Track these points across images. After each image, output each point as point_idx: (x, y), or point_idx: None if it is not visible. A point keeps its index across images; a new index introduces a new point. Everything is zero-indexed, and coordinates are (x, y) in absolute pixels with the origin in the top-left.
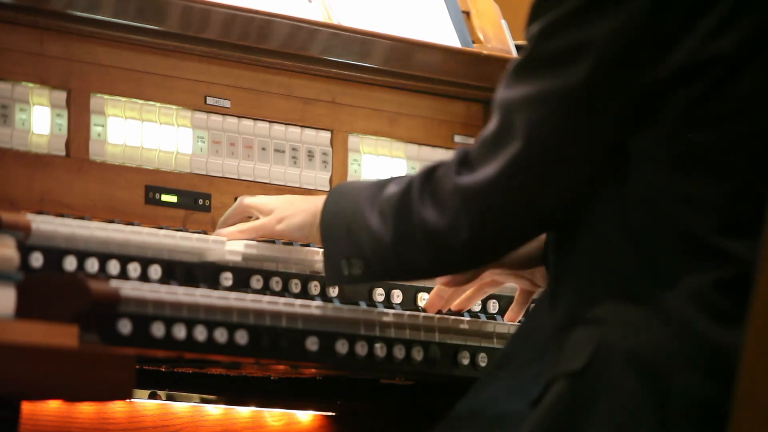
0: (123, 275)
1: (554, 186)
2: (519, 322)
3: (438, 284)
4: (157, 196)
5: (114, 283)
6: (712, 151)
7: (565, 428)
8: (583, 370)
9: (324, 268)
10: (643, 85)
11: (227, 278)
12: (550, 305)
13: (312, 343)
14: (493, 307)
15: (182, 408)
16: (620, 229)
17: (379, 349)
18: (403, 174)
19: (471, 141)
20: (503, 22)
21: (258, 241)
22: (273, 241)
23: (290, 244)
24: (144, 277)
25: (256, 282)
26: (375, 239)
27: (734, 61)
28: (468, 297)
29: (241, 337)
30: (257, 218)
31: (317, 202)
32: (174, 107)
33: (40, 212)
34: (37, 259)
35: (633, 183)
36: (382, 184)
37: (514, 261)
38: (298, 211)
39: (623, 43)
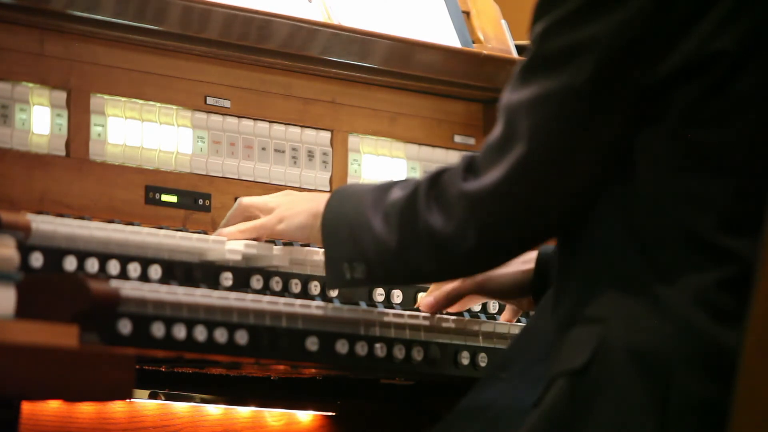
0: (123, 275)
1: (560, 187)
2: (517, 321)
3: (419, 302)
4: (157, 196)
5: (114, 283)
6: (715, 149)
7: (565, 426)
8: (584, 368)
9: (325, 272)
10: (646, 83)
11: (227, 278)
12: (553, 305)
13: (312, 343)
14: (493, 307)
15: (182, 408)
16: (623, 228)
17: (379, 349)
18: (404, 176)
19: (471, 141)
20: (503, 22)
21: (259, 243)
22: (273, 242)
23: (290, 244)
24: (144, 277)
25: (256, 282)
26: (379, 244)
27: (736, 57)
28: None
29: (241, 337)
30: (258, 218)
31: (319, 202)
32: (174, 107)
33: (40, 212)
34: (37, 259)
35: (636, 182)
36: (386, 188)
37: (500, 291)
38: (300, 211)
39: (626, 40)
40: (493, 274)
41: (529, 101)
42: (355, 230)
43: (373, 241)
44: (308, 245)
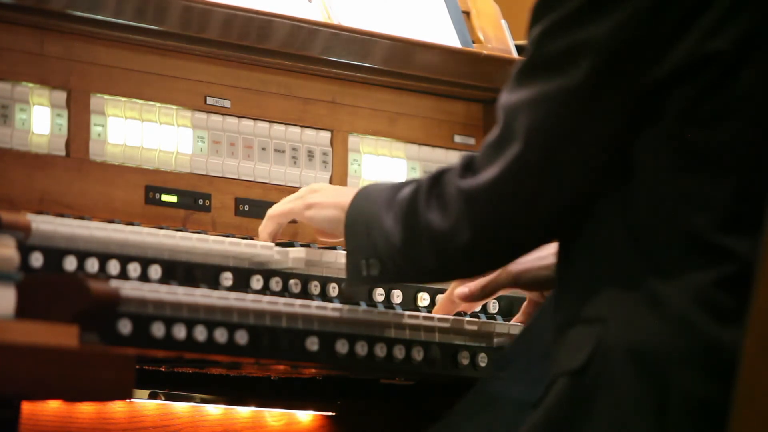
0: (123, 275)
1: (555, 187)
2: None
3: (454, 293)
4: (157, 196)
5: (114, 283)
6: (713, 149)
7: (565, 426)
8: (583, 367)
9: (345, 268)
10: (643, 83)
11: (227, 278)
12: (554, 307)
13: (312, 343)
14: (493, 307)
15: (182, 408)
16: (622, 228)
17: (379, 349)
18: (404, 175)
19: (471, 141)
20: (503, 22)
21: (259, 242)
22: (273, 243)
23: (290, 244)
24: (144, 277)
25: (256, 282)
26: (387, 240)
27: (733, 57)
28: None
29: (241, 337)
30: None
31: (347, 197)
32: (174, 107)
33: (40, 212)
34: (37, 259)
35: (634, 182)
36: (399, 187)
37: (535, 283)
38: (328, 203)
39: (623, 42)
40: (530, 266)
41: (526, 101)
42: (370, 227)
43: (383, 238)
44: (308, 245)
